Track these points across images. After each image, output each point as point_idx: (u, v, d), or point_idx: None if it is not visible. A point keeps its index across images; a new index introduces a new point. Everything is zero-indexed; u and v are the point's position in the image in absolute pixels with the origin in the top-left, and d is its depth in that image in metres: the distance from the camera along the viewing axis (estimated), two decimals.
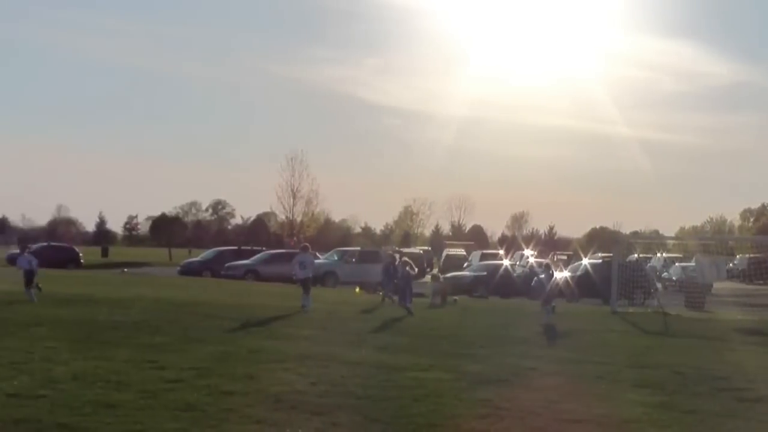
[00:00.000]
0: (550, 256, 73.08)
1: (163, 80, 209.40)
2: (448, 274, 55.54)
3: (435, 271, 34.56)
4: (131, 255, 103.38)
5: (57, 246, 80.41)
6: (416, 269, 29.88)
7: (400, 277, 32.62)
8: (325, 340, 20.99)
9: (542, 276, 30.98)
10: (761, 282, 64.30)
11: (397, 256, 38.28)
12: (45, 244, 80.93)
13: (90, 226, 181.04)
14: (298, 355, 17.70)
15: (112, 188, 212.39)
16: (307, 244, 35.13)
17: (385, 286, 36.23)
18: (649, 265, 54.55)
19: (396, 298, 32.68)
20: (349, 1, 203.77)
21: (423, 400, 13.26)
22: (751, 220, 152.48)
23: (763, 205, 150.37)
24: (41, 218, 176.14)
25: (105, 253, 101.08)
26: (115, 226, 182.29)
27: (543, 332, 25.36)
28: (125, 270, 65.70)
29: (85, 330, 20.80)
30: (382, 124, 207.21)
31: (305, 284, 30.41)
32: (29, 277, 28.99)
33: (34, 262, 29.61)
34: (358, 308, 32.07)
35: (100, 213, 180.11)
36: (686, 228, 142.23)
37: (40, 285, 29.30)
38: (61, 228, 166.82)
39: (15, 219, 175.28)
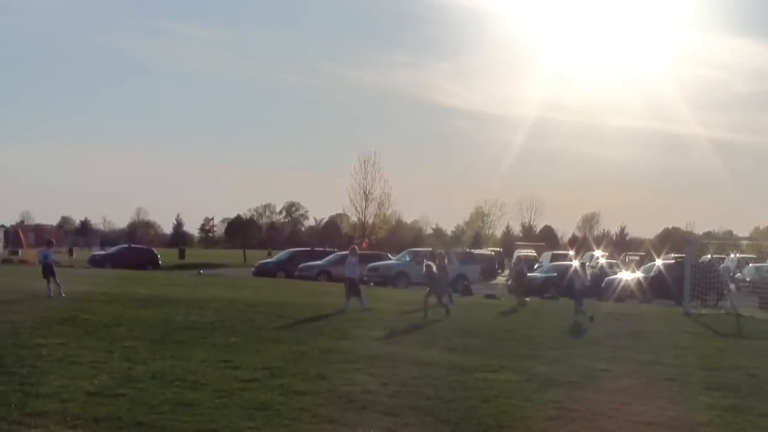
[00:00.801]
0: (621, 256, 72.66)
1: (237, 86, 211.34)
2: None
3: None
4: (207, 256, 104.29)
5: (136, 248, 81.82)
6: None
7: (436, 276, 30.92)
8: (396, 340, 21.02)
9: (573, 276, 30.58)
10: None
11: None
12: (125, 246, 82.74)
13: (168, 229, 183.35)
14: (369, 356, 17.74)
15: (189, 191, 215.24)
16: (355, 246, 34.80)
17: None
18: (722, 265, 53.94)
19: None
20: (421, 6, 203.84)
21: (492, 401, 13.23)
22: None
23: None
24: (121, 221, 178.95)
25: (182, 255, 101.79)
26: (192, 228, 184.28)
27: (572, 330, 25.63)
28: (201, 271, 66.15)
29: (163, 330, 20.99)
30: (454, 126, 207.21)
31: (353, 285, 30.15)
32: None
33: (50, 257, 30.38)
34: (429, 308, 32.02)
35: (178, 215, 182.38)
36: (760, 228, 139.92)
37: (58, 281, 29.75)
38: (140, 230, 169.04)
39: (97, 222, 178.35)
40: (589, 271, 53.23)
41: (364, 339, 20.84)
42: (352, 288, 29.68)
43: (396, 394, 13.50)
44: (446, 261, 28.53)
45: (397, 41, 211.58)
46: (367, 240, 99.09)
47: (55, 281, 29.24)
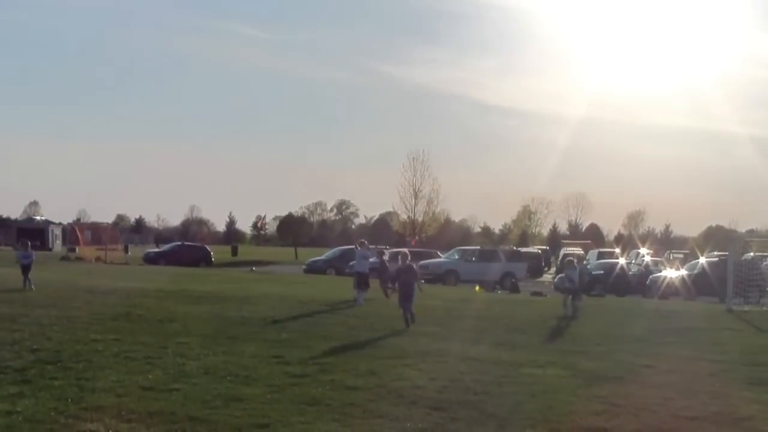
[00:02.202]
0: (666, 254, 72.16)
1: (288, 85, 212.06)
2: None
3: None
4: (259, 254, 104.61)
5: (190, 245, 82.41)
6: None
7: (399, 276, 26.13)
8: (444, 336, 21.00)
9: (569, 271, 30.42)
10: None
11: (386, 251, 36.96)
12: (178, 243, 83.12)
13: (220, 226, 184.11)
14: (418, 352, 17.74)
15: (241, 190, 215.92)
16: (364, 240, 34.65)
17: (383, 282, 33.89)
18: (765, 263, 53.38)
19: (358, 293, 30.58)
20: (466, 5, 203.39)
21: (539, 396, 13.20)
22: None
23: None
24: (175, 219, 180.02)
25: (234, 252, 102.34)
26: (244, 226, 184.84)
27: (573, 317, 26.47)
28: (253, 268, 66.52)
29: (215, 326, 21.13)
30: (501, 124, 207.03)
31: (361, 278, 30.34)
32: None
33: (32, 257, 31.45)
34: (478, 305, 32.05)
35: (230, 213, 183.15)
36: None
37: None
38: (193, 228, 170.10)
39: (151, 220, 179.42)
40: (635, 269, 53.30)
41: (413, 335, 20.85)
42: (361, 281, 30.11)
43: (444, 390, 13.49)
44: (408, 261, 24.21)
45: (443, 39, 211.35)
46: (417, 237, 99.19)
47: (28, 278, 30.44)
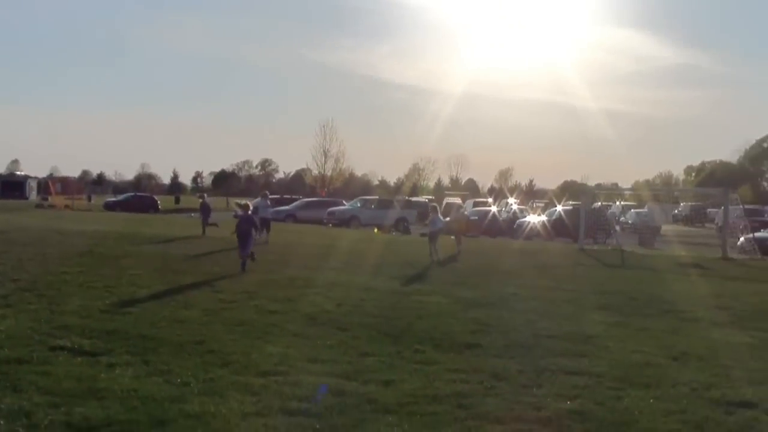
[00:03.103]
0: (530, 203, 73.00)
1: (227, 65, 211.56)
2: (448, 218, 55.75)
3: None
4: (197, 203, 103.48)
5: (141, 195, 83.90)
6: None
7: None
8: (348, 270, 20.97)
9: (433, 215, 27.88)
10: (700, 225, 64.31)
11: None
12: (132, 194, 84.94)
13: (166, 180, 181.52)
14: (327, 283, 17.73)
15: (183, 149, 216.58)
16: (266, 192, 34.32)
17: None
18: (609, 211, 54.45)
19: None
20: (366, 0, 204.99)
21: (425, 319, 13.27)
22: (693, 174, 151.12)
23: (703, 163, 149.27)
24: (129, 173, 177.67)
25: (177, 201, 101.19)
26: (186, 179, 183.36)
27: (439, 265, 23.96)
28: (192, 215, 65.59)
29: (161, 261, 20.89)
30: (395, 97, 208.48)
31: (264, 222, 29.79)
32: None
33: None
34: (376, 245, 32.13)
35: (174, 169, 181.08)
36: (640, 181, 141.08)
37: None
38: (144, 181, 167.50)
39: (110, 174, 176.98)
40: (504, 216, 53.85)
41: (323, 269, 20.80)
42: (264, 226, 29.66)
43: (348, 314, 13.51)
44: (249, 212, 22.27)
45: (348, 28, 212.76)
46: (326, 189, 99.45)
47: None
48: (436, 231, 26.80)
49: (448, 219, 32.20)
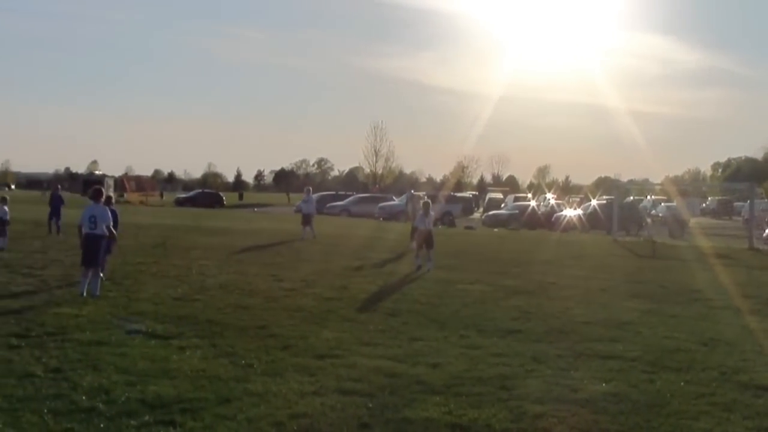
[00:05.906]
0: (566, 198, 72.37)
1: (286, 75, 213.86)
2: (491, 212, 55.58)
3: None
4: (260, 198, 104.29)
5: (208, 192, 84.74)
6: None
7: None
8: (396, 261, 20.94)
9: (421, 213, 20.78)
10: (727, 217, 63.35)
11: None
12: (200, 191, 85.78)
13: (230, 178, 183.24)
14: (379, 272, 17.78)
15: (246, 150, 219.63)
16: (310, 188, 32.75)
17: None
18: (641, 204, 53.86)
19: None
20: (412, 11, 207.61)
21: (470, 306, 13.21)
22: (720, 170, 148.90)
23: (729, 159, 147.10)
24: (197, 172, 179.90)
25: (241, 197, 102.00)
26: (249, 177, 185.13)
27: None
28: (255, 209, 66.15)
29: (227, 252, 21.03)
30: (440, 101, 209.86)
31: (308, 218, 28.12)
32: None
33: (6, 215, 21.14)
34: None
35: (238, 168, 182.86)
36: (669, 177, 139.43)
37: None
38: (210, 179, 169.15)
39: (179, 173, 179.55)
40: (543, 209, 53.44)
41: (375, 260, 20.80)
42: (307, 220, 28.07)
43: (398, 301, 13.50)
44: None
45: (395, 38, 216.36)
46: (377, 186, 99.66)
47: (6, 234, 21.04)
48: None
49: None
